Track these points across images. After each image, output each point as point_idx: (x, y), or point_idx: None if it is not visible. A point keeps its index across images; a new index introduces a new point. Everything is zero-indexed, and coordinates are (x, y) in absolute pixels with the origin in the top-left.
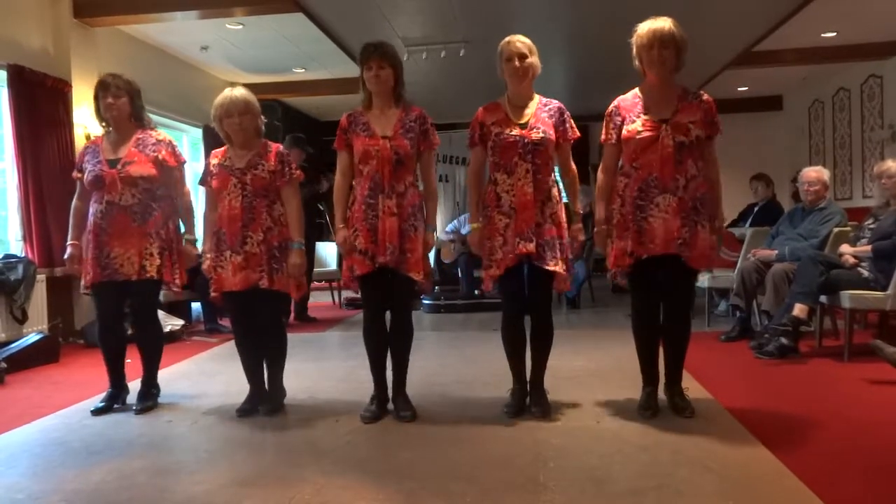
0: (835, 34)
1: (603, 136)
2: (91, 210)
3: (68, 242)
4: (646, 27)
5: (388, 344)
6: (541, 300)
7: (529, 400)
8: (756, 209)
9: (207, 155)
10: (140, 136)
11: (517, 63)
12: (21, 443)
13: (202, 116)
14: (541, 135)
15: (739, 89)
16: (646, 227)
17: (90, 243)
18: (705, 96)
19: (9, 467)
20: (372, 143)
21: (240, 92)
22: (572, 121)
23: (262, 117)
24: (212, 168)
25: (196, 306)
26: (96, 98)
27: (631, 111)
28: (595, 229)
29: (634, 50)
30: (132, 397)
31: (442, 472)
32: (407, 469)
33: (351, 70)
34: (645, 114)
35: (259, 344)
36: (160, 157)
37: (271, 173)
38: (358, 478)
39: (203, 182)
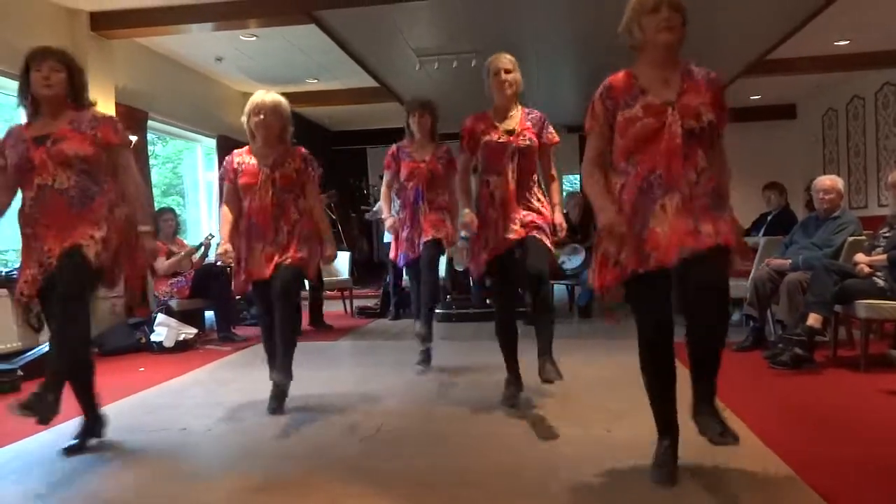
0: (848, 42)
1: (588, 124)
2: (21, 201)
3: None
4: None
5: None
6: (537, 273)
7: (541, 370)
8: (769, 218)
9: (221, 165)
10: (74, 115)
11: (503, 76)
12: (37, 450)
13: (216, 126)
14: (527, 142)
15: (753, 98)
16: (648, 235)
17: (24, 241)
18: (713, 73)
19: (25, 474)
20: (414, 166)
21: (272, 96)
22: (552, 128)
23: (291, 127)
24: (236, 165)
25: (209, 315)
26: (26, 72)
27: (626, 94)
28: (601, 234)
29: (627, 19)
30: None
31: (453, 480)
32: (419, 476)
33: (363, 81)
34: (643, 95)
35: None
36: (99, 135)
37: (297, 171)
38: (370, 485)
39: (225, 178)
